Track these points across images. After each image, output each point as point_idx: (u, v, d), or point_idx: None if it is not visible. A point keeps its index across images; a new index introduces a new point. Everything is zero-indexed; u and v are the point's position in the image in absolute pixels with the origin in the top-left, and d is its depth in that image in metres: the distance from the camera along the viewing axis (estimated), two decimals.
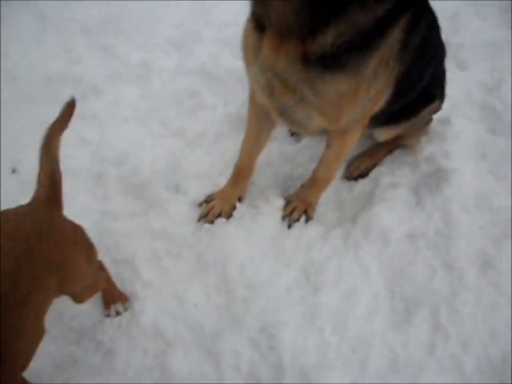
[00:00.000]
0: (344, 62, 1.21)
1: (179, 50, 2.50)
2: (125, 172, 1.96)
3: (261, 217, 1.82)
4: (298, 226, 1.84)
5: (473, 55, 2.43)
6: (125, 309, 1.68)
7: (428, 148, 2.04)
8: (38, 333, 1.21)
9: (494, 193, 1.93)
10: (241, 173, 1.80)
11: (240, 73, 2.31)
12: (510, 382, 1.54)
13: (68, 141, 2.14)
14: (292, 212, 1.84)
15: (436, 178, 1.95)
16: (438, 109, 1.92)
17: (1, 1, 2.63)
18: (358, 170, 2.02)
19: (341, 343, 1.60)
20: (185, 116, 2.18)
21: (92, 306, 1.69)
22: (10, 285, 1.08)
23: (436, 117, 2.00)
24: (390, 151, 2.06)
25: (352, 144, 1.65)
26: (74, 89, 2.33)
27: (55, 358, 1.61)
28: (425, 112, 1.86)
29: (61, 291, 1.28)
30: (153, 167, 1.97)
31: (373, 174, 2.03)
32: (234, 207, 1.83)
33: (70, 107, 1.42)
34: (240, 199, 1.85)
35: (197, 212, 1.88)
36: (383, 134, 1.91)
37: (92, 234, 1.42)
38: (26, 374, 1.23)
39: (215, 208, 1.82)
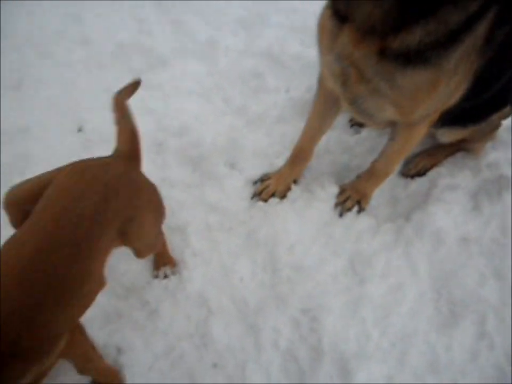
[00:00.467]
0: (426, 56, 1.20)
1: (247, 31, 2.53)
2: (185, 143, 2.00)
3: (314, 202, 1.83)
4: (350, 216, 1.84)
5: None
6: (173, 273, 1.73)
7: (492, 153, 1.99)
8: (100, 281, 1.27)
9: None
10: (300, 156, 1.81)
11: (305, 60, 2.34)
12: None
13: (132, 108, 2.24)
14: (345, 201, 1.84)
15: (497, 185, 1.90)
16: (508, 114, 1.87)
17: None
18: (415, 169, 1.99)
19: (382, 336, 1.60)
20: (248, 95, 2.20)
21: (142, 265, 1.75)
22: (86, 228, 1.14)
23: (504, 122, 1.94)
24: (451, 153, 2.01)
25: (418, 139, 1.62)
26: (142, 59, 2.42)
27: (102, 310, 1.67)
28: (495, 116, 1.81)
29: (123, 242, 1.33)
30: (213, 142, 2.01)
31: (431, 174, 1.99)
32: (289, 189, 1.84)
33: (135, 84, 1.50)
34: (295, 181, 1.86)
35: (251, 190, 1.90)
36: (448, 136, 1.87)
37: None
38: None
39: (270, 188, 1.84)
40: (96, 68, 2.41)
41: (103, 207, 1.18)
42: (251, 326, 1.63)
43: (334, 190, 1.87)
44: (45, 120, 2.20)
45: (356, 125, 2.12)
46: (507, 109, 1.81)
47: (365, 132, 2.11)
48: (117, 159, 1.34)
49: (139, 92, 1.52)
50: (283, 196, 1.84)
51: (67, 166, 1.29)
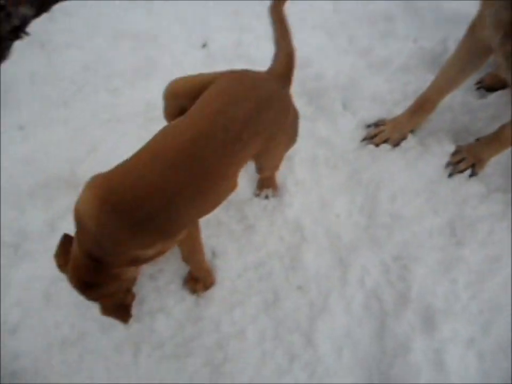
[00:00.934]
0: None
1: None
2: (306, 75, 2.00)
3: (426, 156, 1.79)
4: (460, 178, 1.78)
5: None
6: (274, 196, 1.80)
7: None
8: (234, 185, 1.36)
9: None
10: (424, 106, 1.75)
11: (442, 11, 2.21)
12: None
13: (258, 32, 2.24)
14: (458, 162, 1.77)
15: None
16: None
17: None
18: None
19: (471, 300, 1.57)
20: (374, 38, 2.14)
21: (245, 182, 1.83)
22: (236, 131, 1.21)
23: None
24: None
25: None
26: None
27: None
28: None
29: (255, 157, 1.40)
30: (333, 78, 1.99)
31: None
32: (404, 138, 1.81)
33: None
34: (412, 132, 1.82)
35: (363, 132, 1.89)
36: None
37: None
38: None
39: (384, 133, 1.81)
40: None
41: (255, 116, 1.23)
42: (341, 259, 1.68)
43: (450, 148, 1.80)
44: (172, 31, 2.29)
45: (483, 88, 2.00)
46: None
47: (491, 97, 1.98)
48: (272, 76, 1.38)
49: (265, 19, 1.52)
50: (396, 144, 1.81)
51: (228, 71, 1.35)
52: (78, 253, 1.24)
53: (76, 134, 1.93)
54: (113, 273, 1.28)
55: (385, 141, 1.82)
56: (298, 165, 1.84)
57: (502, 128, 1.68)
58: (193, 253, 1.53)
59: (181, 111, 1.32)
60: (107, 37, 2.25)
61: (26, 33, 0.71)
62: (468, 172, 1.77)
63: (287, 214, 1.76)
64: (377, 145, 1.82)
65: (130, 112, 1.97)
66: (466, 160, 1.77)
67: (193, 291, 1.65)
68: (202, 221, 1.77)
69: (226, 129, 1.20)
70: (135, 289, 1.59)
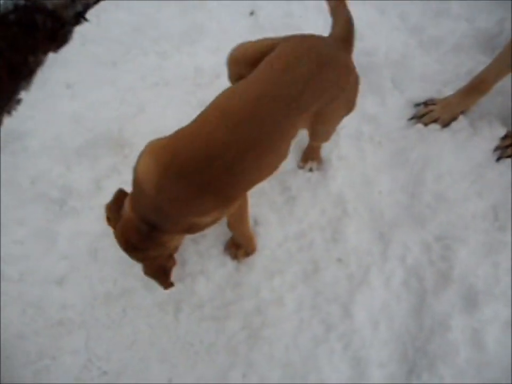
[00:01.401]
0: None
1: None
2: (356, 49, 1.97)
3: (476, 139, 1.77)
4: (507, 162, 1.76)
5: None
6: (317, 169, 1.80)
7: None
8: (285, 153, 1.35)
9: None
10: (478, 88, 1.72)
11: None
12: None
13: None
14: (507, 146, 1.75)
15: None
16: None
17: None
18: None
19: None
20: (427, 16, 2.09)
21: (290, 155, 1.80)
22: (299, 91, 1.21)
23: None
24: None
25: None
26: None
27: None
28: None
29: (310, 123, 1.41)
30: (385, 55, 1.97)
31: None
32: (455, 118, 1.78)
33: None
34: (462, 113, 1.79)
35: (410, 110, 1.87)
36: None
37: None
38: None
39: (433, 113, 1.79)
40: None
41: (317, 75, 1.23)
42: (382, 235, 1.69)
43: (500, 132, 1.78)
44: None
45: None
46: None
47: None
48: (333, 40, 1.38)
49: None
50: (446, 125, 1.79)
51: (291, 35, 1.35)
52: (131, 215, 1.25)
53: (124, 95, 1.94)
54: (161, 241, 1.29)
55: (434, 121, 1.80)
56: (343, 139, 1.84)
57: None
58: (240, 221, 1.55)
59: (244, 77, 1.32)
60: None
61: (86, 19, 0.73)
62: None
63: (330, 188, 1.77)
64: (426, 124, 1.80)
65: (179, 76, 1.97)
66: None
67: (234, 257, 1.68)
68: None
69: (290, 88, 1.20)
70: (177, 253, 1.64)
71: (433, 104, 1.82)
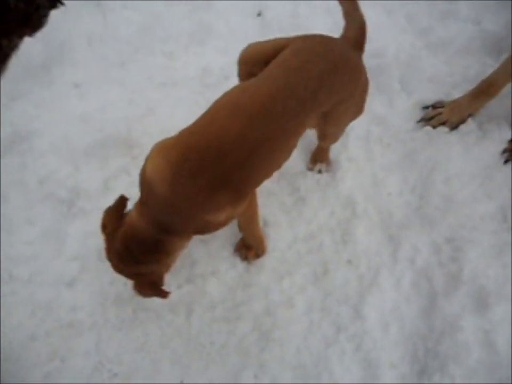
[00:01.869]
0: None
1: None
2: (365, 51, 1.98)
3: (484, 141, 1.79)
4: None
5: None
6: (326, 171, 1.81)
7: None
8: (291, 150, 1.36)
9: None
10: (487, 91, 1.73)
11: None
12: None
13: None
14: None
15: None
16: None
17: None
18: None
19: None
20: (434, 18, 2.10)
21: (298, 155, 1.84)
22: (311, 90, 1.22)
23: None
24: None
25: None
26: None
27: None
28: None
29: (319, 124, 1.42)
30: (394, 56, 1.98)
31: None
32: (463, 121, 1.80)
33: None
34: (471, 115, 1.81)
35: (418, 113, 1.88)
36: None
37: None
38: None
39: (442, 115, 1.80)
40: None
41: (332, 75, 1.24)
42: (391, 237, 1.69)
43: (508, 135, 1.79)
44: None
45: None
46: None
47: None
48: (345, 41, 1.39)
49: None
50: (454, 127, 1.80)
51: (303, 35, 1.36)
52: (137, 221, 1.24)
53: (132, 95, 1.93)
54: (167, 249, 1.28)
55: (443, 123, 1.81)
56: (352, 141, 1.85)
57: None
58: (250, 222, 1.56)
59: (255, 76, 1.32)
60: None
61: (62, 3, 0.73)
62: None
63: (339, 189, 1.77)
64: (434, 127, 1.81)
65: (186, 77, 1.97)
66: None
67: (245, 258, 1.68)
68: None
69: (305, 86, 1.21)
70: (186, 252, 1.64)
71: (442, 106, 1.83)
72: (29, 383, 1.53)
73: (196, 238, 1.69)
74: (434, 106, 1.85)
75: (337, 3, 2.15)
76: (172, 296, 1.59)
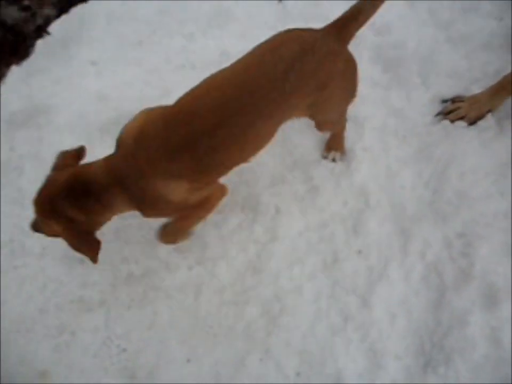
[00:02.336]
0: None
1: None
2: (384, 42, 1.97)
3: (501, 138, 1.77)
4: None
5: None
6: (341, 160, 1.80)
7: None
8: (267, 139, 1.38)
9: None
10: (508, 87, 1.72)
11: None
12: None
13: None
14: None
15: None
16: None
17: None
18: None
19: None
20: (456, 12, 2.08)
21: (314, 143, 1.84)
22: (278, 79, 1.24)
23: None
24: None
25: None
26: None
27: (269, 173, 1.81)
28: None
29: (309, 113, 1.43)
30: (414, 49, 1.96)
31: None
32: (482, 117, 1.78)
33: None
34: (490, 111, 1.79)
35: (436, 107, 1.87)
36: None
37: None
38: None
39: (460, 110, 1.79)
40: None
41: (300, 57, 1.25)
42: (403, 230, 1.69)
43: None
44: None
45: None
46: None
47: None
48: (326, 32, 1.36)
49: None
50: (472, 123, 1.79)
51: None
52: (99, 167, 1.31)
53: (149, 76, 1.93)
54: (108, 203, 1.31)
55: (461, 118, 1.79)
56: (368, 131, 1.84)
57: None
58: (196, 217, 1.55)
59: None
60: None
61: (48, 33, 0.74)
62: None
63: (353, 179, 1.77)
64: (452, 121, 1.80)
65: (205, 60, 1.96)
66: None
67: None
68: (266, 179, 1.80)
69: (274, 65, 1.24)
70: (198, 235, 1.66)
71: (461, 101, 1.81)
72: (39, 356, 1.55)
73: (210, 222, 1.70)
74: (453, 100, 1.84)
75: None
76: (181, 278, 1.65)
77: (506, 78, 1.72)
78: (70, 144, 1.83)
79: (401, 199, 1.74)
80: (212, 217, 1.69)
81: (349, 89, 1.48)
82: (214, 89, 1.27)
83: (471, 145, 1.77)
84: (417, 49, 1.97)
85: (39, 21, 0.66)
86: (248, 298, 1.63)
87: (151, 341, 1.57)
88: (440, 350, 1.52)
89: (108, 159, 1.33)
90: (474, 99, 1.79)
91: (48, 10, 0.67)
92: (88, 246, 1.34)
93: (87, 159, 1.81)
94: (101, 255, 1.65)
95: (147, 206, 1.36)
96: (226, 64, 1.97)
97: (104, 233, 1.68)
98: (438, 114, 1.83)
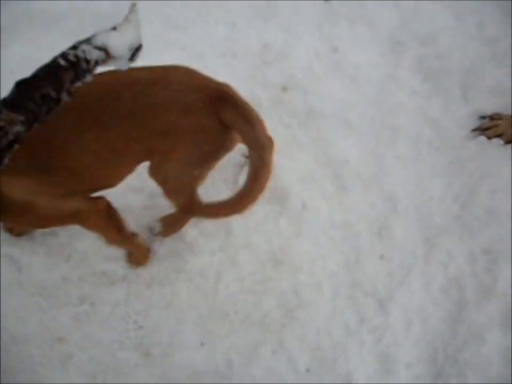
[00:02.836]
0: None
1: None
2: (427, 51, 1.96)
3: None
4: None
5: None
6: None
7: None
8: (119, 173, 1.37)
9: None
10: None
11: None
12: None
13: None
14: None
15: None
16: None
17: None
18: None
19: None
20: (504, 29, 2.05)
21: (349, 145, 1.84)
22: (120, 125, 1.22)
23: None
24: None
25: None
26: None
27: (298, 167, 1.82)
28: None
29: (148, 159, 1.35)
30: (455, 61, 1.95)
31: None
32: None
33: None
34: None
35: (474, 122, 1.86)
36: None
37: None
38: None
39: (499, 127, 1.78)
40: None
41: (130, 100, 1.20)
42: (428, 239, 1.70)
43: None
44: None
45: None
46: None
47: None
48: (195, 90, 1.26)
49: None
50: (509, 141, 1.78)
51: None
52: None
53: (192, 60, 1.92)
54: None
55: (498, 136, 1.78)
56: (401, 139, 1.84)
57: None
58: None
59: None
60: None
61: (21, 143, 0.78)
62: None
63: (383, 184, 1.78)
64: (489, 138, 1.79)
65: (247, 50, 1.97)
66: None
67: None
68: (298, 173, 1.80)
69: (99, 100, 1.19)
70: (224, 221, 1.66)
71: (500, 119, 1.80)
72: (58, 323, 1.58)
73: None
74: (492, 117, 1.82)
75: (408, 4, 2.12)
76: (203, 262, 1.67)
77: None
78: None
79: (429, 209, 1.75)
80: None
81: (201, 149, 1.31)
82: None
83: (505, 163, 1.76)
84: (461, 62, 1.96)
85: (11, 137, 0.73)
86: (266, 289, 1.64)
87: (167, 321, 1.59)
88: (453, 363, 1.53)
89: None
90: None
91: (18, 127, 0.74)
92: None
93: None
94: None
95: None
96: (267, 56, 2.02)
97: (131, 210, 1.72)
98: (475, 129, 1.82)
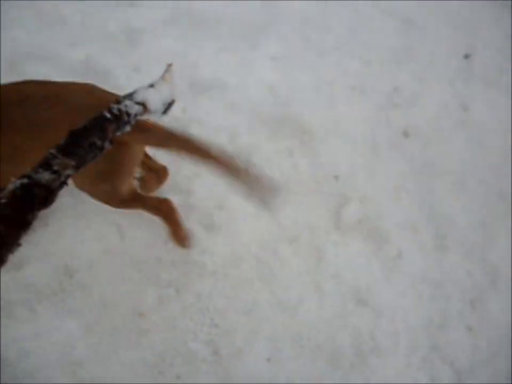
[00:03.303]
0: None
1: None
2: None
3: None
4: None
5: None
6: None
7: None
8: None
9: None
10: None
11: None
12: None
13: None
14: None
15: None
16: None
17: None
18: None
19: None
20: None
21: (460, 208, 1.80)
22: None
23: None
24: None
25: None
26: None
27: (400, 214, 1.81)
28: None
29: None
30: None
31: None
32: None
33: None
34: None
35: None
36: None
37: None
38: None
39: None
40: None
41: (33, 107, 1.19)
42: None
43: None
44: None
45: None
46: None
47: None
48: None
49: None
50: None
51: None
52: None
53: (322, 85, 2.00)
54: None
55: None
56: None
57: None
58: None
59: None
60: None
61: (67, 184, 0.90)
62: None
63: (486, 253, 1.72)
64: None
65: (376, 89, 2.00)
66: None
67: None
68: (399, 218, 1.78)
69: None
70: None
71: None
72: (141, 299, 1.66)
73: (331, 240, 1.73)
74: None
75: None
76: (290, 280, 1.68)
77: None
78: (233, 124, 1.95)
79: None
80: (333, 235, 1.74)
81: (100, 176, 1.32)
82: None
83: None
84: None
85: (63, 179, 0.87)
86: (344, 324, 1.63)
87: (243, 327, 1.62)
88: None
89: None
90: None
91: (69, 171, 0.88)
92: None
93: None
94: (228, 232, 1.75)
95: None
96: (395, 99, 2.03)
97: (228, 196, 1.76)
98: None
